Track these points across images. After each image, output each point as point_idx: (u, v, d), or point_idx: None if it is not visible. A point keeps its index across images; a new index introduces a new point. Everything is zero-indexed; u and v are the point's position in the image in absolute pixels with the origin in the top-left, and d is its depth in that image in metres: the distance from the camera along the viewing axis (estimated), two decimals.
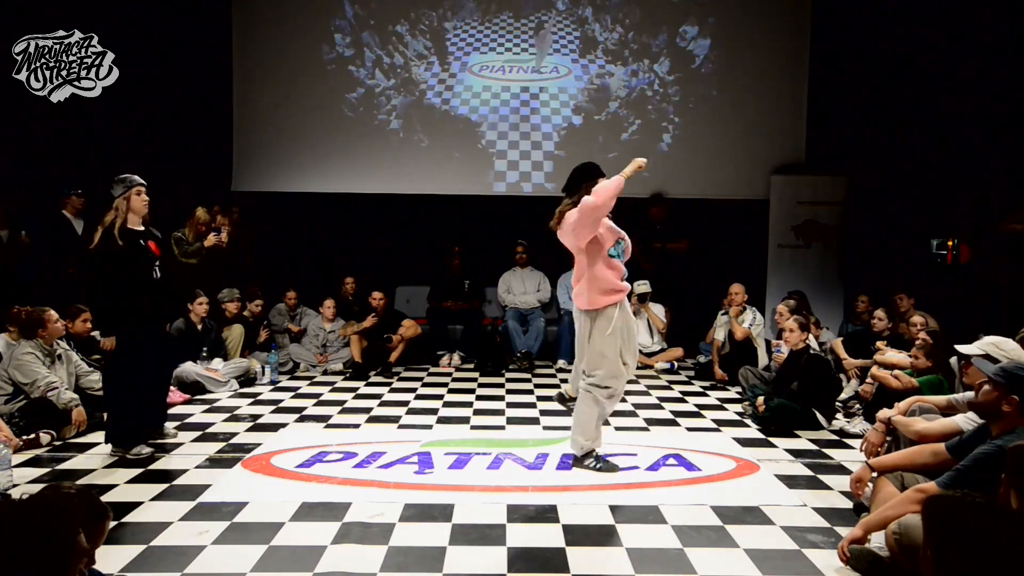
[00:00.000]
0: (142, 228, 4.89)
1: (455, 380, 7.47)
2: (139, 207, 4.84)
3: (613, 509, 3.86)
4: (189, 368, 6.62)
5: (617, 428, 5.52)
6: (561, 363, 8.19)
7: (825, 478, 4.45)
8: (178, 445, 5.01)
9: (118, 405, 4.80)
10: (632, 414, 6.07)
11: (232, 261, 7.89)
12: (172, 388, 5.95)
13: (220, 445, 5.03)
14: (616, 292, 4.33)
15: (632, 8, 9.40)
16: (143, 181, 4.90)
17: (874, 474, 3.51)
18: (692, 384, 7.41)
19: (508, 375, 7.72)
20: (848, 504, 3.92)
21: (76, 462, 4.64)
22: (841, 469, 4.60)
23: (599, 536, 3.55)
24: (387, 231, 9.55)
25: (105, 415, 5.27)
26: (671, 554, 3.34)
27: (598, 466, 4.43)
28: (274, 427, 5.55)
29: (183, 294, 6.83)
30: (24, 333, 5.33)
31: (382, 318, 7.92)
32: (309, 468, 4.53)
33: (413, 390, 6.96)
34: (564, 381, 7.07)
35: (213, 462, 4.66)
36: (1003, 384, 2.99)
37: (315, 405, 6.33)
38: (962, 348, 3.90)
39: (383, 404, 6.38)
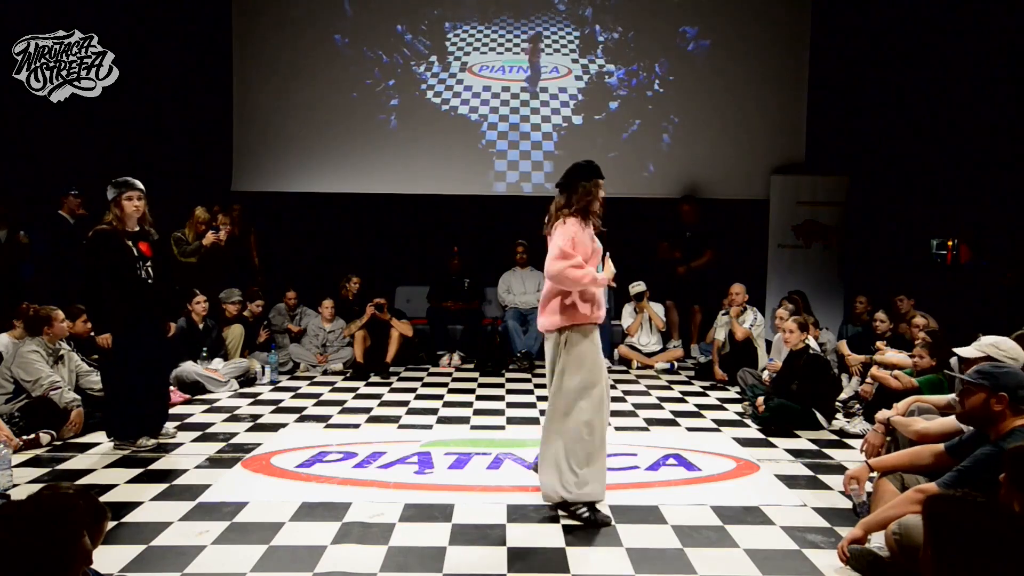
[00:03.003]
0: (136, 229, 4.91)
1: (455, 380, 7.47)
2: (129, 211, 4.85)
3: (613, 509, 3.85)
4: (189, 368, 6.61)
5: (617, 428, 5.52)
6: None
7: (825, 478, 4.45)
8: (178, 445, 5.01)
9: (115, 400, 4.92)
10: (632, 414, 6.07)
11: (234, 260, 7.89)
12: (172, 388, 5.96)
13: (220, 445, 5.03)
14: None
15: (632, 8, 9.40)
16: (138, 186, 4.88)
17: (874, 474, 3.50)
18: (692, 384, 7.40)
19: (508, 375, 7.72)
20: (848, 504, 3.92)
21: (76, 462, 4.63)
22: (841, 469, 4.59)
23: (599, 536, 3.55)
24: (387, 231, 9.54)
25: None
26: (671, 554, 3.34)
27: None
28: (274, 427, 5.55)
29: (184, 294, 6.83)
30: (29, 330, 5.33)
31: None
32: (309, 468, 4.53)
33: (413, 390, 6.96)
34: None
35: (213, 462, 4.66)
36: (987, 385, 2.95)
37: (315, 405, 6.33)
38: (961, 351, 3.88)
39: (383, 404, 6.38)
